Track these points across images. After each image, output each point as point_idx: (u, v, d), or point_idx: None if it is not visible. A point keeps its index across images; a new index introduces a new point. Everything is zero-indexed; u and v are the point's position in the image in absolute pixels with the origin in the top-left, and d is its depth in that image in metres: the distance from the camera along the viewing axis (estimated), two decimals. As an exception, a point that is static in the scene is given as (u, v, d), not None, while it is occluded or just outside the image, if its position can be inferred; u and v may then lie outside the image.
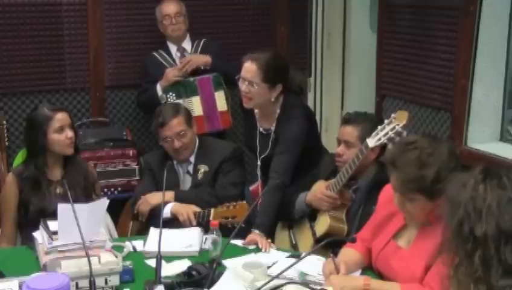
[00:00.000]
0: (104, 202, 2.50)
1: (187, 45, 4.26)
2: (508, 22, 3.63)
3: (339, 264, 2.36)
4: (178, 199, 3.26)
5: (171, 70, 4.12)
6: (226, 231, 2.79)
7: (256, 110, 3.31)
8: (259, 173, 3.37)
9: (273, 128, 3.24)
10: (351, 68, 4.75)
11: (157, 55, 4.23)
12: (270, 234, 3.02)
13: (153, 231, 2.83)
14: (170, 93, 4.09)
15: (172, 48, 4.25)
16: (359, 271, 2.50)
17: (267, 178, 3.21)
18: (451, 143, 2.35)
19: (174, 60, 4.22)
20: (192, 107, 4.06)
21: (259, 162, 3.33)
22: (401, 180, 2.20)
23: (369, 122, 2.97)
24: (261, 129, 3.31)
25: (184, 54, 4.24)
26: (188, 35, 4.27)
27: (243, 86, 3.15)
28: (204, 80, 4.12)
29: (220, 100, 4.14)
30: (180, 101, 4.03)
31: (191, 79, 4.11)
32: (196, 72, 4.16)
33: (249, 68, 3.12)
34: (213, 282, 2.33)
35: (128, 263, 2.48)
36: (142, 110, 4.47)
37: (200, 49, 4.23)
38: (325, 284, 2.33)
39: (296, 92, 3.32)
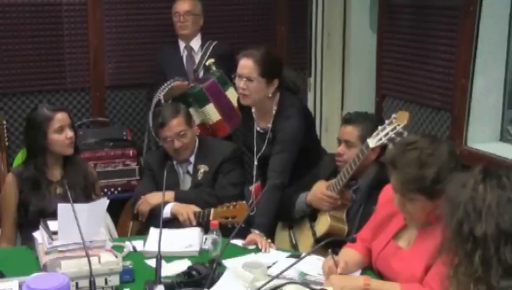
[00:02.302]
0: (104, 202, 2.50)
1: (195, 44, 4.23)
2: (508, 22, 3.63)
3: (338, 261, 2.36)
4: (178, 199, 3.26)
5: (181, 85, 4.02)
6: (226, 231, 2.79)
7: (253, 110, 3.32)
8: (254, 172, 3.37)
9: (269, 125, 3.24)
10: (351, 68, 4.75)
11: (167, 49, 4.22)
12: (270, 234, 3.02)
13: (153, 231, 2.83)
14: (190, 100, 4.03)
15: (181, 45, 4.24)
16: (359, 271, 2.50)
17: (265, 177, 3.22)
18: (451, 143, 2.35)
19: (181, 58, 4.20)
20: (209, 115, 4.01)
21: (256, 162, 3.33)
22: (401, 181, 2.20)
23: (370, 122, 2.97)
24: (258, 128, 3.31)
25: (191, 53, 4.23)
26: (199, 34, 4.24)
27: (240, 83, 3.15)
28: (210, 85, 4.01)
29: (233, 96, 4.02)
30: (199, 111, 4.00)
31: (197, 89, 4.00)
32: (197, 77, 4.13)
33: (245, 64, 3.13)
34: (213, 282, 2.33)
35: (128, 263, 2.48)
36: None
37: (210, 52, 4.18)
38: (325, 284, 2.33)
39: (292, 90, 3.32)
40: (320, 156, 3.37)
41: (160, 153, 3.50)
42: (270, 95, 3.18)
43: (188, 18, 4.15)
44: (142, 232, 3.20)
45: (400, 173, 2.20)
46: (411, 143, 2.23)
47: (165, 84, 4.01)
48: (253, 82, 3.12)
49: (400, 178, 2.20)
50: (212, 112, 4.04)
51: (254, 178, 3.40)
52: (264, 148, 3.26)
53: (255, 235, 2.85)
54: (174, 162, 3.41)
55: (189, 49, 4.23)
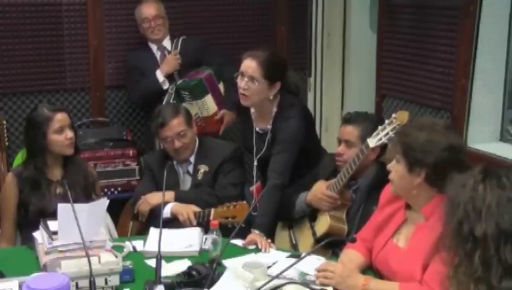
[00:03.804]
0: (104, 202, 2.50)
1: (167, 43, 4.26)
2: (508, 22, 3.63)
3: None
4: (178, 199, 3.26)
5: (172, 57, 4.15)
6: (226, 231, 2.79)
7: (252, 110, 3.31)
8: (254, 173, 3.37)
9: (269, 127, 3.24)
10: (351, 68, 4.75)
11: (140, 52, 4.26)
12: (270, 234, 3.02)
13: (153, 231, 2.83)
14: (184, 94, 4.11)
15: (153, 47, 4.26)
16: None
17: (265, 178, 3.21)
18: (462, 144, 2.39)
19: (156, 59, 4.23)
20: (207, 106, 4.11)
21: (255, 163, 3.33)
22: (401, 132, 2.36)
23: (370, 122, 2.97)
24: (257, 129, 3.30)
25: (165, 52, 4.25)
26: (168, 34, 4.27)
27: (242, 83, 3.13)
28: (209, 76, 4.11)
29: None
30: (192, 103, 4.05)
31: (195, 80, 4.09)
32: (184, 71, 4.17)
33: (249, 64, 3.11)
34: (213, 282, 2.33)
35: (128, 263, 2.48)
36: (140, 105, 4.42)
37: (180, 48, 4.23)
38: (320, 278, 2.34)
39: (293, 92, 3.31)
40: (320, 156, 3.37)
41: (160, 153, 3.50)
42: (271, 97, 3.17)
43: (158, 22, 4.18)
44: (142, 232, 3.20)
45: (405, 126, 2.39)
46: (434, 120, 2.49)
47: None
48: (255, 83, 3.10)
49: (401, 131, 2.39)
50: (210, 103, 4.13)
51: (254, 179, 3.39)
52: (264, 149, 3.26)
53: (255, 235, 2.85)
54: (174, 162, 3.41)
55: (163, 49, 4.25)
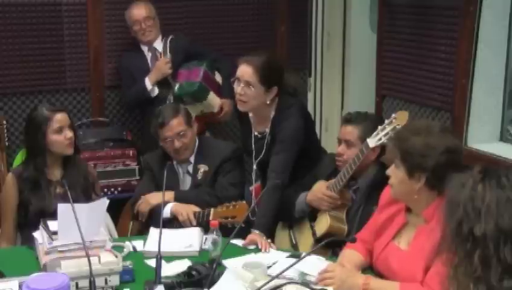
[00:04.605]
0: (104, 202, 2.50)
1: (158, 44, 4.25)
2: (508, 22, 3.63)
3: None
4: (178, 199, 3.26)
5: (162, 62, 4.13)
6: (226, 231, 2.79)
7: (250, 115, 3.30)
8: (253, 176, 3.36)
9: (267, 130, 3.23)
10: (351, 68, 4.75)
11: (133, 54, 4.27)
12: (269, 234, 3.01)
13: (153, 231, 2.84)
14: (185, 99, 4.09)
15: (144, 49, 4.26)
16: (359, 272, 2.50)
17: (265, 178, 3.21)
18: (458, 144, 2.39)
19: (147, 61, 4.23)
20: (212, 103, 4.14)
21: (255, 166, 3.32)
22: (397, 137, 2.38)
23: (370, 122, 2.97)
24: (255, 133, 3.29)
25: (156, 53, 4.24)
26: (159, 35, 4.25)
27: (238, 88, 3.11)
28: (205, 74, 4.11)
29: (218, 80, 4.24)
30: (198, 104, 4.07)
31: (195, 86, 4.07)
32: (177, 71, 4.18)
33: (245, 70, 3.09)
34: (213, 282, 2.33)
35: (128, 263, 2.48)
36: (133, 107, 4.45)
37: (169, 48, 4.21)
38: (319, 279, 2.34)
39: (290, 94, 3.30)
40: (320, 156, 3.36)
41: (160, 153, 3.50)
42: (269, 102, 3.16)
43: (149, 23, 4.16)
44: (142, 232, 3.20)
45: (401, 131, 2.41)
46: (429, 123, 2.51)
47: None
48: (251, 89, 3.08)
49: (396, 134, 2.43)
50: (214, 100, 4.15)
51: (253, 182, 3.39)
52: (263, 152, 3.25)
53: (255, 235, 2.85)
54: (174, 162, 3.41)
55: (154, 51, 4.25)
